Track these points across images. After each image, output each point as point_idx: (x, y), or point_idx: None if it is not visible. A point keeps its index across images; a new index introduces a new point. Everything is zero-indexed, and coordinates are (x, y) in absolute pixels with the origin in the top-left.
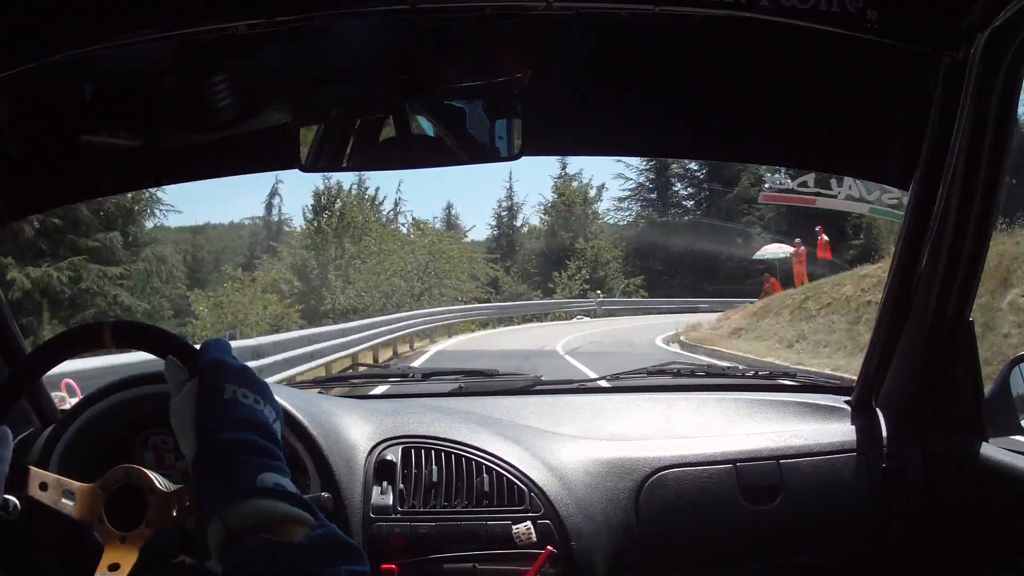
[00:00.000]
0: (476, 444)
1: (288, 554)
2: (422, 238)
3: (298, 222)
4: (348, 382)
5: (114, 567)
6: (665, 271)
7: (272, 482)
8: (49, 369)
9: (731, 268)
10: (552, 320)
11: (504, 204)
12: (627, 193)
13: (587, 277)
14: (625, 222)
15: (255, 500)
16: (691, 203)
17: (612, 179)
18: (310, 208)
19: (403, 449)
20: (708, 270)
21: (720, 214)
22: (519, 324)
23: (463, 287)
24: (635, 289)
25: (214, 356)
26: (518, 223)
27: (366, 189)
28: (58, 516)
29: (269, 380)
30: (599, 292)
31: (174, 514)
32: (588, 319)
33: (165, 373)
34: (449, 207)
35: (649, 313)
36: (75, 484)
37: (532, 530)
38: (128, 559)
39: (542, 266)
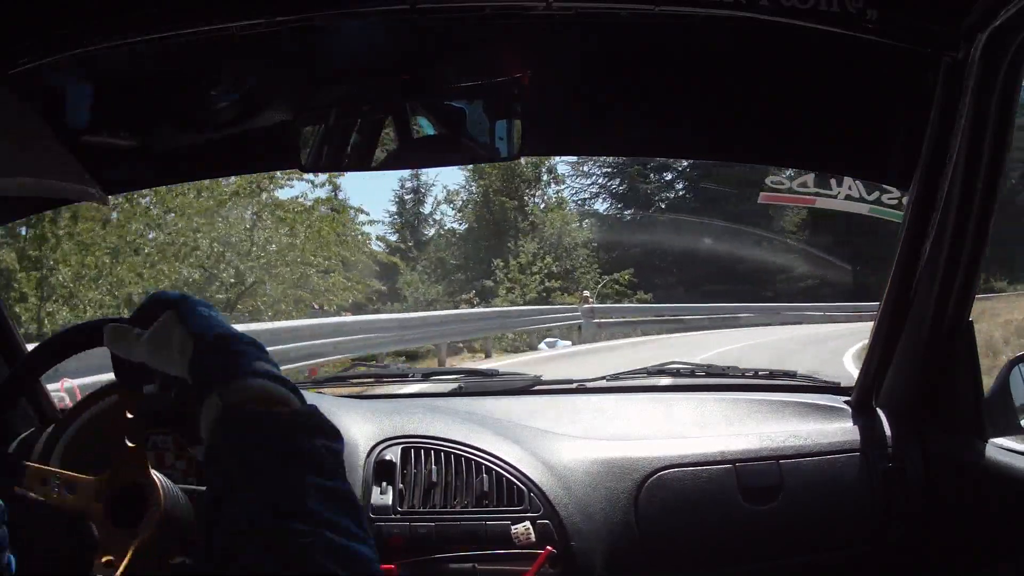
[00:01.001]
0: (476, 444)
1: (274, 424)
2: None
3: None
4: (348, 382)
5: (110, 564)
6: (669, 269)
7: (265, 368)
8: (49, 369)
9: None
10: (507, 348)
11: (408, 184)
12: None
13: (551, 270)
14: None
15: (254, 378)
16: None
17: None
18: None
19: (402, 449)
20: (738, 274)
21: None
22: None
23: (326, 285)
24: (622, 290)
25: (175, 292)
26: (426, 209)
27: None
28: (56, 512)
29: None
30: (588, 294)
31: (175, 514)
32: (565, 346)
33: (110, 338)
34: (336, 186)
35: (679, 328)
36: (77, 477)
37: (531, 530)
38: (124, 555)
39: (470, 253)
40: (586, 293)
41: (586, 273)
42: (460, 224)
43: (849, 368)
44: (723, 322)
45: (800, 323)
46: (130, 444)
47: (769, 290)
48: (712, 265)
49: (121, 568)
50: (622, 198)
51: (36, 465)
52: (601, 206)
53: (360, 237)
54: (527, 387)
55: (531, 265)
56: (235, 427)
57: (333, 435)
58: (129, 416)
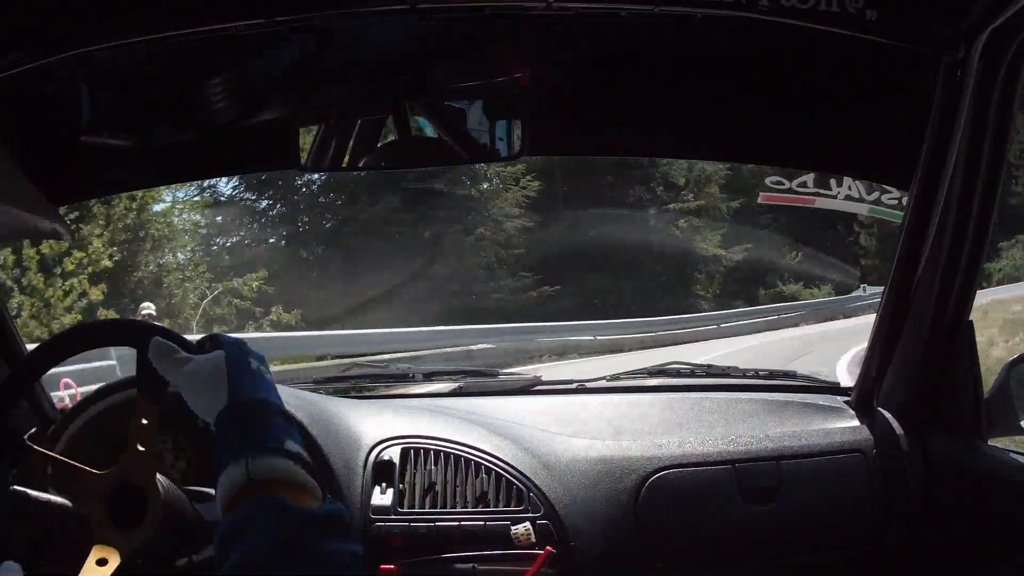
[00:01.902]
0: (476, 444)
1: (297, 519)
2: None
3: None
4: (348, 382)
5: (102, 562)
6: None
7: (296, 449)
8: (49, 369)
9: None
10: None
11: None
12: None
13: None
14: None
15: (282, 458)
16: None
17: None
18: None
19: (402, 449)
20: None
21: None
22: None
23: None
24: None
25: (234, 339)
26: None
27: None
28: (55, 509)
29: None
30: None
31: (175, 515)
32: None
33: (155, 351)
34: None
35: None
36: (79, 468)
37: (531, 530)
38: (118, 555)
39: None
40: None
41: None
42: None
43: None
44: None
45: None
46: (140, 448)
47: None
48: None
49: (113, 568)
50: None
51: (41, 450)
52: None
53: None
54: (527, 387)
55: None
56: (262, 512)
57: (355, 538)
58: (144, 422)
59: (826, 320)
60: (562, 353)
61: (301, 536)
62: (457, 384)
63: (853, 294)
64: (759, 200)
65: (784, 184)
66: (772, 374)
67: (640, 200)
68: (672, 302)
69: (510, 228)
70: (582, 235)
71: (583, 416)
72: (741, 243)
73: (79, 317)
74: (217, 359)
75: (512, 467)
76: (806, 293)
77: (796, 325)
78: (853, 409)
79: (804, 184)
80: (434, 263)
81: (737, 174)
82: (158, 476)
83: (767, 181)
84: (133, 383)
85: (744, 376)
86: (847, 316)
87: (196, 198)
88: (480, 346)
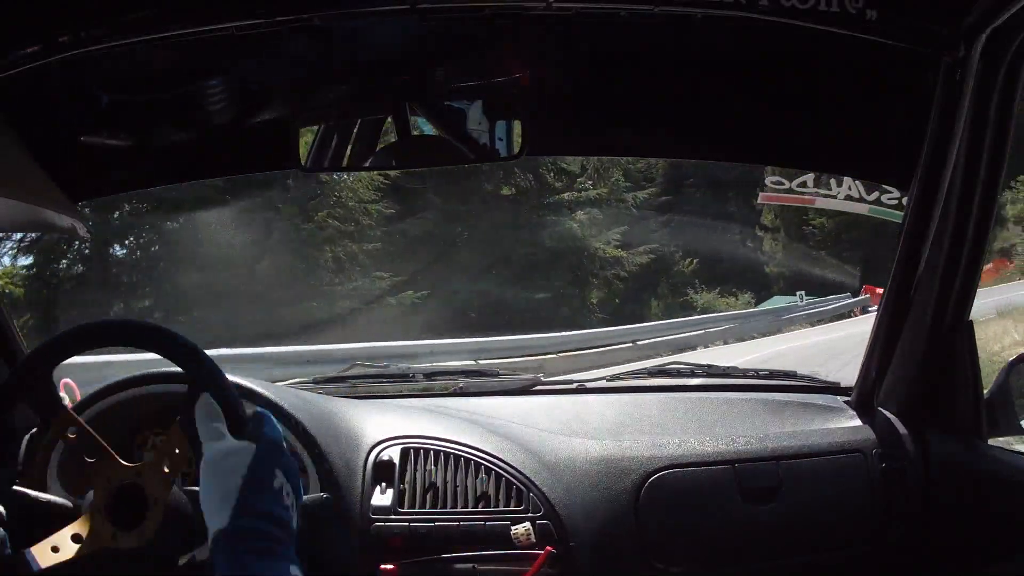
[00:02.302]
0: (476, 444)
1: None
2: None
3: None
4: (348, 382)
5: (77, 539)
6: None
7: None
8: (51, 368)
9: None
10: None
11: None
12: None
13: None
14: None
15: None
16: None
17: None
18: None
19: (402, 449)
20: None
21: None
22: None
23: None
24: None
25: (277, 435)
26: None
27: None
28: (55, 509)
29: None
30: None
31: (176, 514)
32: None
33: (200, 410)
34: None
35: None
36: (100, 442)
37: (531, 531)
38: (73, 550)
39: None
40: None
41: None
42: None
43: None
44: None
45: None
46: (166, 470)
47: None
48: None
49: (64, 559)
50: None
51: (74, 415)
52: None
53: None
54: (527, 387)
55: None
56: None
57: None
58: (176, 451)
59: (762, 336)
60: None
61: None
62: (457, 384)
63: (779, 304)
64: (759, 200)
65: (784, 184)
66: (772, 374)
67: (527, 189)
68: (567, 313)
69: (363, 217)
70: (453, 229)
71: (583, 416)
72: (647, 243)
73: None
74: (242, 457)
75: (512, 467)
76: (721, 302)
77: (725, 342)
78: (853, 409)
79: (804, 184)
80: (261, 259)
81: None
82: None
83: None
84: (117, 388)
85: (744, 376)
86: (783, 330)
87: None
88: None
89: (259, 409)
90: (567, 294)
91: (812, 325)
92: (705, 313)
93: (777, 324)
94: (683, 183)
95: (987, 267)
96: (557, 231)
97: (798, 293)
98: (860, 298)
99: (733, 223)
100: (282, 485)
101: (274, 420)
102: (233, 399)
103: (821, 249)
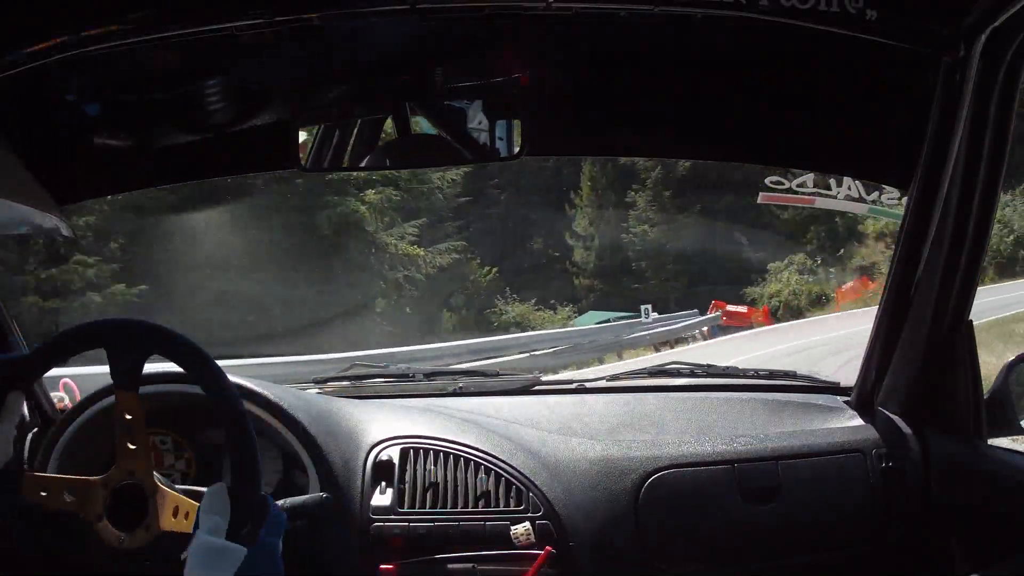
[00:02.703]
0: (475, 444)
1: None
2: None
3: None
4: (348, 381)
5: (78, 537)
6: None
7: None
8: (47, 371)
9: None
10: None
11: None
12: None
13: None
14: None
15: None
16: None
17: None
18: None
19: (402, 449)
20: None
21: None
22: None
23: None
24: None
25: (272, 541)
26: None
27: None
28: (56, 514)
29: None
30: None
31: (175, 518)
32: None
33: (207, 498)
34: None
35: None
36: (76, 480)
37: (531, 530)
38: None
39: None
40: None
41: None
42: None
43: None
44: None
45: None
46: (131, 446)
47: None
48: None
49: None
50: None
51: (35, 474)
52: None
53: None
54: (527, 387)
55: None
56: None
57: None
58: (127, 417)
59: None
60: None
61: None
62: (457, 384)
63: (597, 320)
64: (758, 200)
65: (784, 184)
66: (772, 374)
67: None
68: (351, 327)
69: None
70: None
71: (583, 416)
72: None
73: None
74: (231, 561)
75: (512, 467)
76: (536, 317)
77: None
78: (853, 409)
79: (804, 184)
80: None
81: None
82: (157, 476)
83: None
84: (152, 379)
85: (744, 376)
86: (623, 353)
87: None
88: None
89: (272, 503)
90: (343, 297)
91: (657, 349)
92: (519, 327)
93: (618, 344)
94: (487, 183)
95: (847, 286)
96: (339, 212)
97: (643, 308)
98: (709, 316)
99: (541, 227)
100: (273, 552)
101: (279, 519)
102: (247, 491)
103: (641, 261)
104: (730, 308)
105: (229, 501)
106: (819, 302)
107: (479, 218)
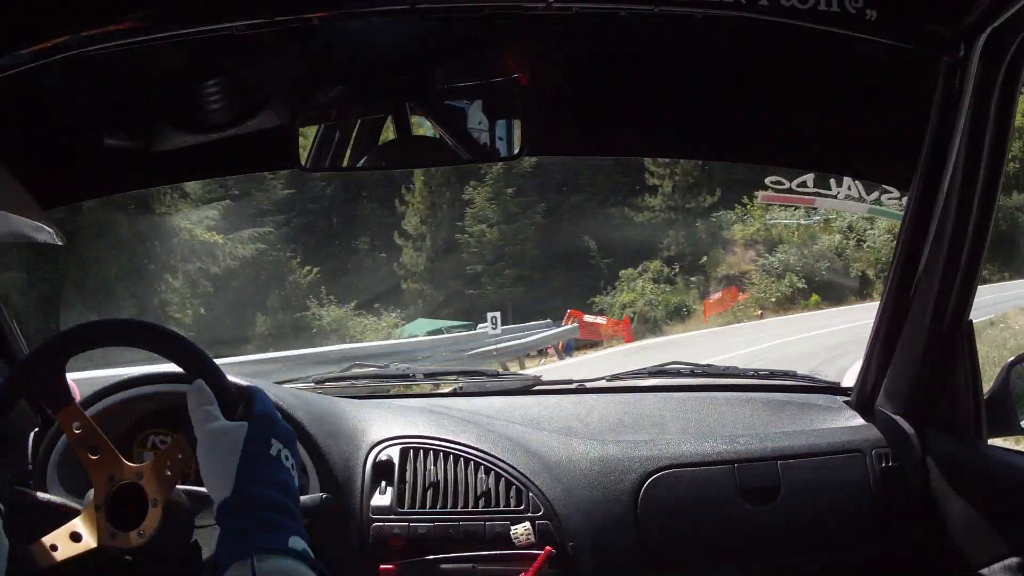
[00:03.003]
0: (475, 444)
1: None
2: None
3: None
4: (348, 382)
5: (76, 537)
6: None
7: (302, 547)
8: (48, 369)
9: None
10: None
11: None
12: None
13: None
14: None
15: (290, 559)
16: None
17: None
18: None
19: (402, 449)
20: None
21: None
22: None
23: None
24: None
25: (268, 408)
26: None
27: None
28: (55, 508)
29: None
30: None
31: (176, 513)
32: None
33: (192, 396)
34: None
35: None
36: (104, 440)
37: (531, 531)
38: (95, 539)
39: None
40: None
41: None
42: None
43: None
44: None
45: None
46: (168, 473)
47: None
48: None
49: (85, 549)
50: None
51: (80, 409)
52: None
53: None
54: (527, 387)
55: None
56: None
57: None
58: (179, 456)
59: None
60: None
61: None
62: (457, 384)
63: (427, 329)
64: (758, 200)
65: (784, 184)
66: (772, 374)
67: None
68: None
69: None
70: None
71: (583, 416)
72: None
73: None
74: (238, 434)
75: (512, 467)
76: (356, 324)
77: None
78: (853, 409)
79: (804, 184)
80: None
81: None
82: (158, 476)
83: (767, 181)
84: (117, 388)
85: (744, 376)
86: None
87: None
88: None
89: (249, 386)
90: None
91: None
92: (337, 334)
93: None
94: (312, 175)
95: (714, 297)
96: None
97: (491, 316)
98: (566, 327)
99: (369, 225)
100: (280, 451)
101: (265, 395)
102: (224, 383)
103: (477, 264)
104: (587, 319)
105: (212, 392)
106: (679, 314)
107: (301, 213)
